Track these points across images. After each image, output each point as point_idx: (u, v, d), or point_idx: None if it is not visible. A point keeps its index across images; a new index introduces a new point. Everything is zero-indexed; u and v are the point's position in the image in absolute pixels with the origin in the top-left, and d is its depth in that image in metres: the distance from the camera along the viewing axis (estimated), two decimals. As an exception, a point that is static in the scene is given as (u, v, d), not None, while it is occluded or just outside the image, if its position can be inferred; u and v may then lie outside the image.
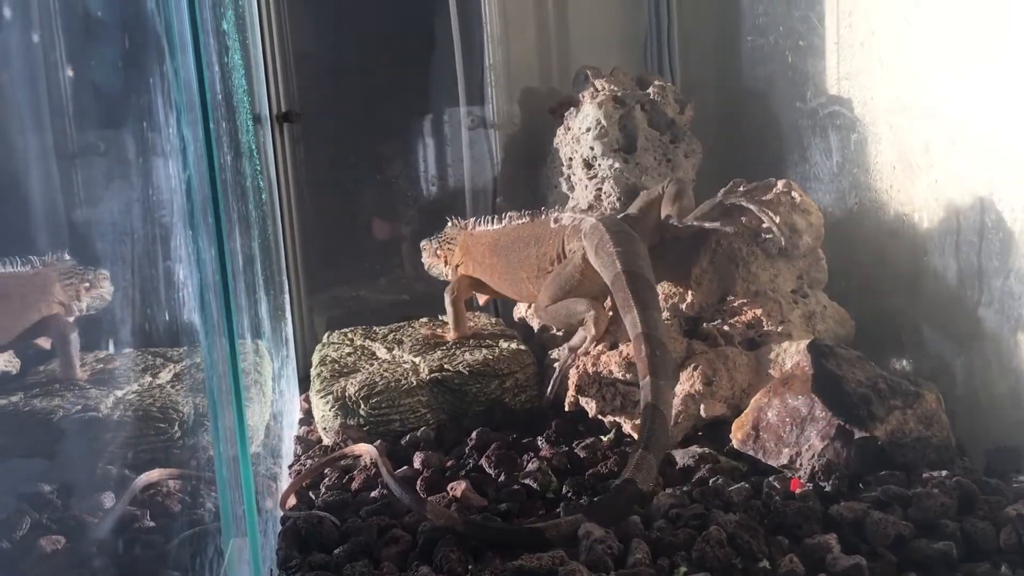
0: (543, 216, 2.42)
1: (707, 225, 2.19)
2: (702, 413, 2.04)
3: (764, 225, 2.18)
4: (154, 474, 1.66)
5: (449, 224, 2.74)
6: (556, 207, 2.46)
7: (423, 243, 2.80)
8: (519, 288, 2.42)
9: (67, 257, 1.96)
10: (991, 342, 1.97)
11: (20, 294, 1.95)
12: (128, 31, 1.30)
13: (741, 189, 2.24)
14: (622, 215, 2.32)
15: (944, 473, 1.76)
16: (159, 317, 1.67)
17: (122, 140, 1.53)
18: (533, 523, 1.71)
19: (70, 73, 1.25)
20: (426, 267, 2.79)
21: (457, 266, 2.67)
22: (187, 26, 1.33)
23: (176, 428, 1.97)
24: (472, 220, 2.67)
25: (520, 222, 2.48)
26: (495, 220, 2.57)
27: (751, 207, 2.19)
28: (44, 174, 1.51)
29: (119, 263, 1.75)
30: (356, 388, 2.28)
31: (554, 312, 2.22)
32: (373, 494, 1.92)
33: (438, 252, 2.74)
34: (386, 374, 2.34)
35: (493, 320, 2.79)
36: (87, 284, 2.05)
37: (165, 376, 2.23)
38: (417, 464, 2.04)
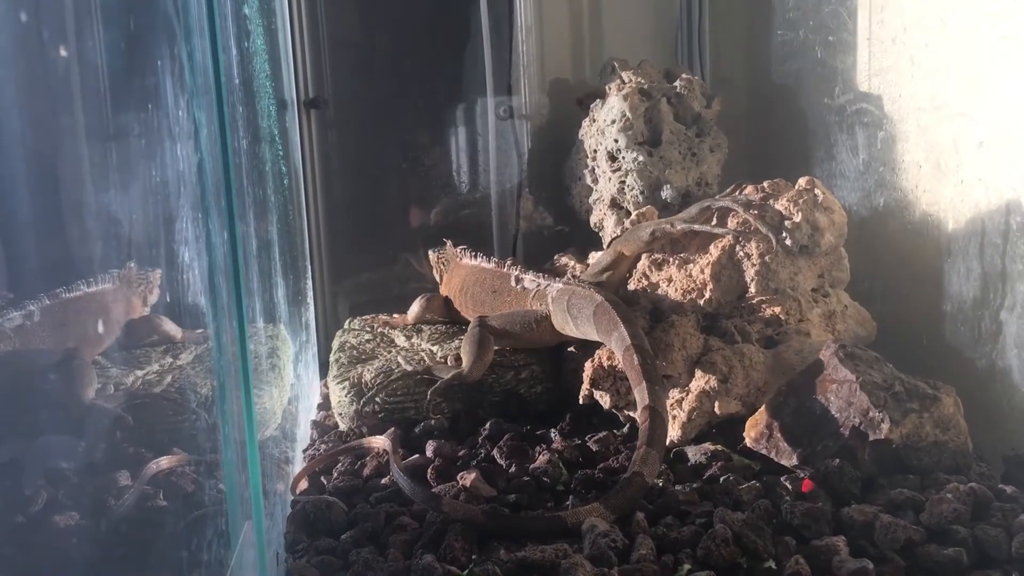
0: (505, 269, 2.50)
1: (697, 227, 2.24)
2: (716, 410, 2.03)
3: (753, 227, 2.19)
4: (164, 461, 1.67)
5: (448, 244, 2.82)
6: (519, 265, 2.50)
7: (430, 252, 2.90)
8: None
9: (131, 265, 2.07)
10: (1013, 346, 1.93)
11: (113, 308, 2.13)
12: (141, 12, 1.31)
13: (728, 192, 2.31)
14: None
15: (959, 479, 1.73)
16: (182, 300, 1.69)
17: (146, 124, 1.54)
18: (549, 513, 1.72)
19: (67, 51, 1.26)
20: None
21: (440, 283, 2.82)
22: (204, 9, 1.33)
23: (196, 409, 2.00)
24: (461, 249, 2.75)
25: (487, 266, 2.58)
26: (476, 256, 2.65)
27: (737, 208, 2.20)
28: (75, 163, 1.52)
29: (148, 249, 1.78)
30: (373, 375, 2.29)
31: (476, 335, 2.26)
32: (383, 481, 1.92)
33: (436, 264, 2.87)
34: (402, 362, 2.35)
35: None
36: (150, 284, 2.21)
37: (186, 357, 2.25)
38: (429, 453, 2.04)
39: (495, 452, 2.01)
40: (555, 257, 2.83)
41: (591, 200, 2.79)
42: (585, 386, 2.20)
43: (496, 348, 2.28)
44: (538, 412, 2.27)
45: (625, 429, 2.15)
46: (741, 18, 3.04)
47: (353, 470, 2.01)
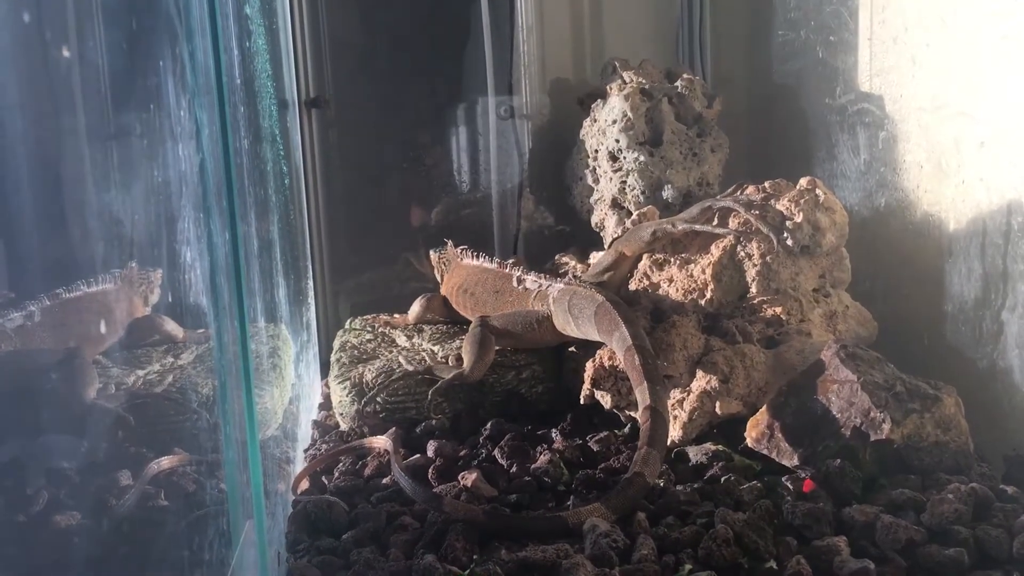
0: (506, 269, 2.50)
1: (698, 228, 2.25)
2: (717, 410, 2.03)
3: (754, 227, 2.19)
4: (165, 461, 1.67)
5: (449, 244, 2.83)
6: (520, 266, 2.50)
7: (431, 251, 2.91)
8: None
9: (132, 264, 2.07)
10: (1014, 346, 1.93)
11: (114, 307, 2.13)
12: (143, 12, 1.31)
13: (729, 192, 2.31)
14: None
15: (960, 479, 1.73)
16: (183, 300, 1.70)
17: (148, 124, 1.54)
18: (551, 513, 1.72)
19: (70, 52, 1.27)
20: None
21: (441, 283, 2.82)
22: (205, 9, 1.33)
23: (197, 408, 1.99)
24: (462, 248, 2.75)
25: (488, 266, 2.58)
26: (477, 256, 2.65)
27: (739, 208, 2.20)
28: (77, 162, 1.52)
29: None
30: (374, 375, 2.29)
31: (477, 335, 2.25)
32: (384, 480, 1.92)
33: (437, 264, 2.88)
34: (403, 362, 2.35)
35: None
36: (151, 284, 2.22)
37: (187, 357, 2.25)
38: (430, 452, 2.04)
39: (496, 452, 2.00)
40: (556, 257, 2.83)
41: (592, 200, 2.79)
42: (586, 386, 2.20)
43: (497, 348, 2.28)
44: (539, 412, 2.27)
45: (626, 429, 2.15)
46: (742, 18, 3.04)
47: (354, 470, 2.01)
